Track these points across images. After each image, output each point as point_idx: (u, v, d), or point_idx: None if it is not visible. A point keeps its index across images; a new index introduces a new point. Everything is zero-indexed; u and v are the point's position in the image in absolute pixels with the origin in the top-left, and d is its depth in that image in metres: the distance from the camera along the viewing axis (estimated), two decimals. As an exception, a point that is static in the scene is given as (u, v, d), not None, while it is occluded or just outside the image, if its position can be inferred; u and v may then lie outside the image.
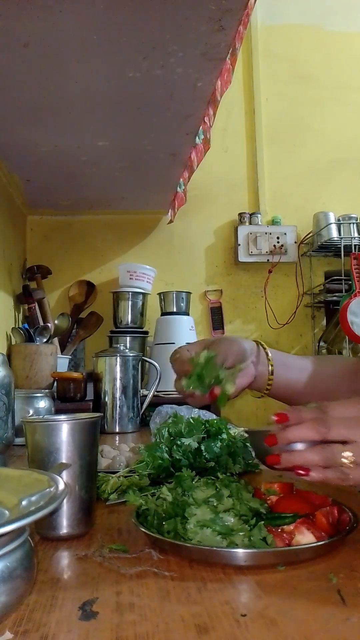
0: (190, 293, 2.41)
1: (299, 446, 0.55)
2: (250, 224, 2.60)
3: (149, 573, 0.51)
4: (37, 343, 2.04)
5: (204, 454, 0.91)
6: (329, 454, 0.52)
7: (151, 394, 1.79)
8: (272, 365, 0.92)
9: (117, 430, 1.71)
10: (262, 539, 0.54)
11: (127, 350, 1.83)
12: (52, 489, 0.46)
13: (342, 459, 0.51)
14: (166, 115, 1.62)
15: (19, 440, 1.17)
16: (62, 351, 2.23)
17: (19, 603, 0.44)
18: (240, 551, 0.52)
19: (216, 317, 2.60)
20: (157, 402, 1.83)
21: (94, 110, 1.57)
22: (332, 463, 0.52)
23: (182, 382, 0.82)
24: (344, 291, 2.35)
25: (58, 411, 1.65)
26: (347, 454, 0.51)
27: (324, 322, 2.61)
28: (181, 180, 2.20)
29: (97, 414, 0.68)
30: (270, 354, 0.93)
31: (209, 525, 0.55)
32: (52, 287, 2.53)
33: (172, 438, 0.93)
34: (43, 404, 1.50)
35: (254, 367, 0.90)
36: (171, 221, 2.56)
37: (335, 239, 2.43)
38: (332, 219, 2.47)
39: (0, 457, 1.07)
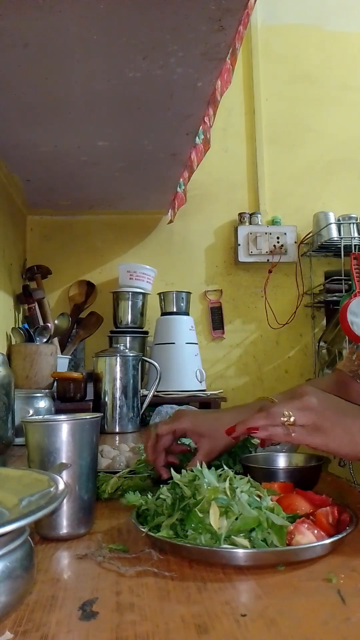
0: (190, 293, 2.41)
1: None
2: (250, 224, 2.60)
3: (149, 573, 0.51)
4: (37, 343, 2.04)
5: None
6: (271, 415, 0.66)
7: (151, 394, 1.79)
8: None
9: (117, 430, 1.71)
10: (262, 539, 0.54)
11: (127, 350, 1.82)
12: (52, 489, 0.46)
13: (282, 418, 0.65)
14: (166, 115, 1.62)
15: (19, 440, 1.17)
16: (62, 351, 2.23)
17: (19, 603, 0.44)
18: (240, 551, 0.52)
19: (216, 317, 2.60)
20: (157, 402, 1.83)
21: (94, 110, 1.57)
22: (274, 422, 0.65)
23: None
24: (344, 291, 2.35)
25: (58, 411, 1.65)
26: (286, 413, 0.65)
27: (324, 322, 2.61)
28: (181, 180, 2.20)
29: (97, 414, 0.68)
30: None
31: (209, 530, 0.55)
32: (52, 287, 2.53)
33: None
34: (43, 404, 1.50)
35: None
36: (171, 221, 2.56)
37: (335, 239, 2.43)
38: (332, 219, 2.47)
39: (0, 457, 1.07)
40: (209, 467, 0.63)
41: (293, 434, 0.64)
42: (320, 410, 0.65)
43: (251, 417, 0.68)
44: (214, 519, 0.55)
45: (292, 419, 0.65)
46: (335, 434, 0.64)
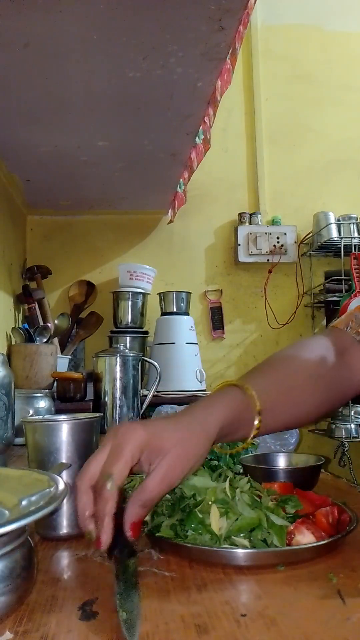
0: (190, 293, 2.41)
1: None
2: (250, 224, 2.60)
3: (149, 573, 0.51)
4: (37, 343, 2.04)
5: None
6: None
7: (151, 394, 1.79)
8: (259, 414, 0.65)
9: (117, 430, 1.71)
10: (262, 539, 0.54)
11: (127, 350, 1.82)
12: (52, 489, 0.46)
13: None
14: (166, 115, 1.62)
15: (19, 440, 1.17)
16: (62, 351, 2.23)
17: (19, 603, 0.44)
18: (240, 551, 0.52)
19: (216, 317, 2.60)
20: (157, 402, 1.83)
21: (94, 110, 1.57)
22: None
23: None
24: (344, 291, 2.35)
25: (58, 411, 1.65)
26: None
27: (324, 322, 2.61)
28: (181, 180, 2.20)
29: (97, 414, 0.68)
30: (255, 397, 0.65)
31: (209, 531, 0.55)
32: (52, 287, 2.53)
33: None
34: (43, 404, 1.50)
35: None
36: (171, 221, 2.56)
37: (335, 239, 2.43)
38: (332, 219, 2.47)
39: (0, 457, 1.07)
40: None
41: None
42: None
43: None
44: (214, 519, 0.55)
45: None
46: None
